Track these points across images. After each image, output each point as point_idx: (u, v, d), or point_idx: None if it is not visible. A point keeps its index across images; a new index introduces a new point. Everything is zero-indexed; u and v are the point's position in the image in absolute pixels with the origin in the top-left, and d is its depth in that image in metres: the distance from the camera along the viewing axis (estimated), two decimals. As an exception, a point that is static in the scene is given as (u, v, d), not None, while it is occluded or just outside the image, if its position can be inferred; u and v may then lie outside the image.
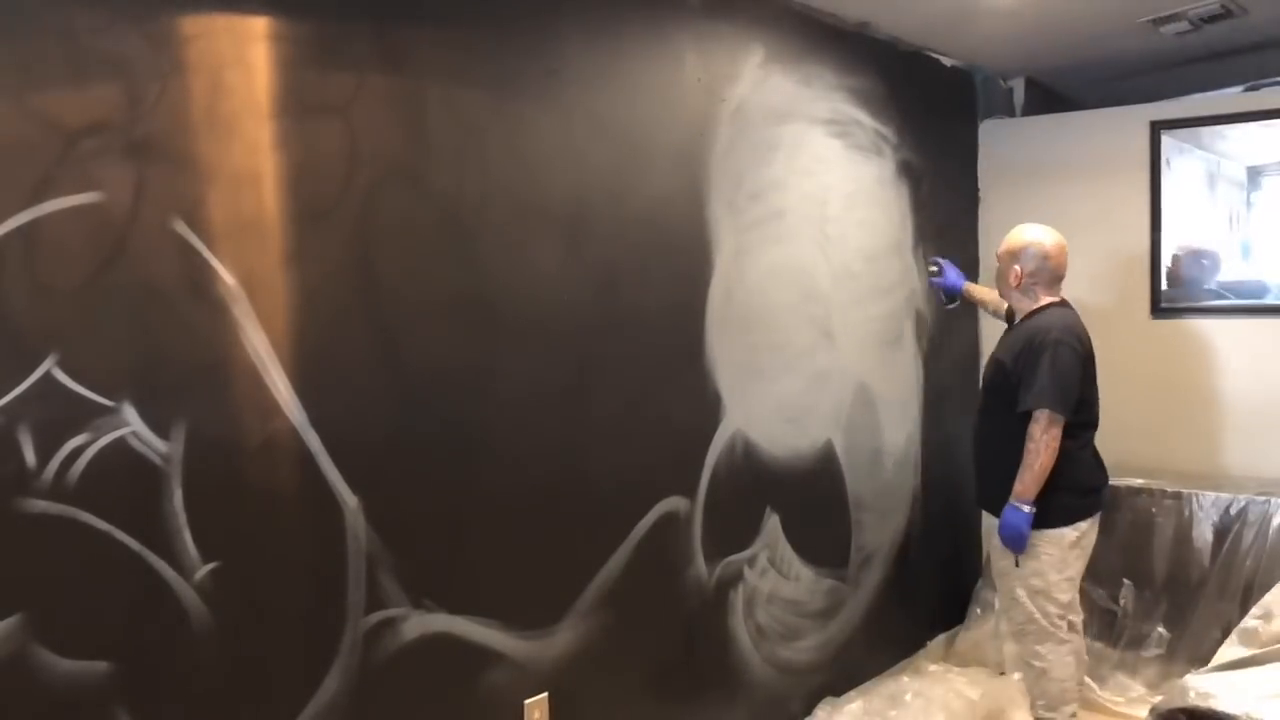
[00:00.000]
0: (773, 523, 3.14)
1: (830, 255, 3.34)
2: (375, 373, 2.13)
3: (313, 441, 2.02)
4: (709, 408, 2.91)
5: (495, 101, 2.33)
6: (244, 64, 1.91)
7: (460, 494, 2.30)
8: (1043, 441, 2.88)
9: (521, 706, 2.45)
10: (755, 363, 3.07)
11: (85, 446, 1.72)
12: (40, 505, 1.68)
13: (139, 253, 1.78)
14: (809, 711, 3.28)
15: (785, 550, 3.20)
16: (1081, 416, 2.98)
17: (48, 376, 1.68)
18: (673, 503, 2.80)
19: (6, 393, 1.64)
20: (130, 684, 1.79)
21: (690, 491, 2.86)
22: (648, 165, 2.70)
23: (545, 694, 2.48)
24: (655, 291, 2.72)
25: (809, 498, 3.30)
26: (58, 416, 1.70)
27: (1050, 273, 3.04)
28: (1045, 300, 3.05)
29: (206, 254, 1.86)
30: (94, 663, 1.75)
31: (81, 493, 1.72)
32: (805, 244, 3.25)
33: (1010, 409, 2.96)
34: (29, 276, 1.67)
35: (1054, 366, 2.88)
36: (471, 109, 2.28)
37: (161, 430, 1.81)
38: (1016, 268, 3.04)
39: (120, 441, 1.76)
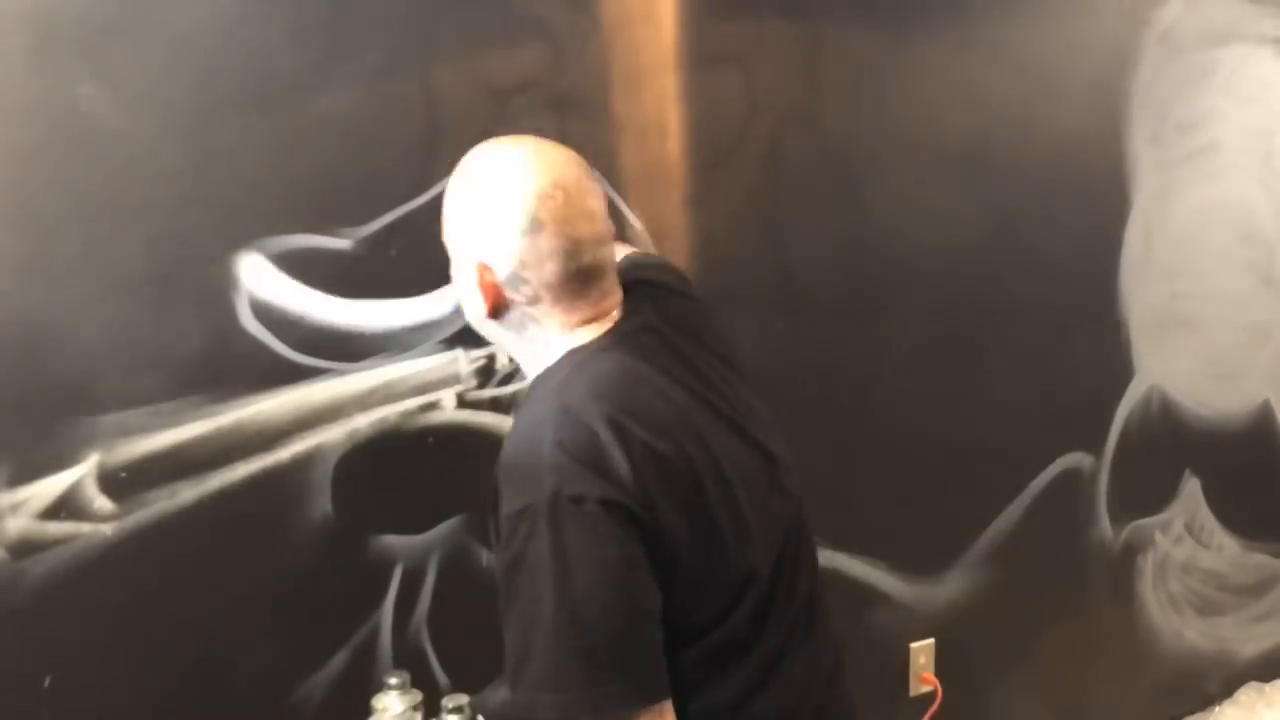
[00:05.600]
0: (1192, 487, 2.88)
1: (1277, 194, 2.96)
2: (768, 312, 2.21)
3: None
4: (1120, 359, 2.71)
5: (893, 40, 2.30)
6: (652, 19, 2.04)
7: (849, 432, 2.33)
8: None
9: (907, 650, 2.46)
10: (1178, 312, 2.81)
11: (517, 371, 1.95)
12: (480, 417, 1.92)
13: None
14: (1229, 694, 3.00)
15: (1206, 518, 2.92)
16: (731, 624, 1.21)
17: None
18: (1075, 458, 2.66)
19: (451, 328, 1.89)
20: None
21: (1095, 448, 2.69)
22: (1056, 99, 2.54)
23: (931, 640, 2.47)
24: (1060, 233, 2.56)
25: (1239, 462, 2.98)
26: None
27: (571, 274, 1.22)
28: (559, 341, 1.26)
29: (618, 200, 2.02)
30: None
31: (509, 410, 1.95)
32: (1246, 181, 2.91)
33: None
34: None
35: (554, 576, 1.09)
36: (868, 50, 2.28)
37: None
38: (484, 279, 1.25)
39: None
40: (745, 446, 1.27)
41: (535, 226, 1.19)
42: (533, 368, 1.28)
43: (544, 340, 1.25)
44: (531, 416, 1.19)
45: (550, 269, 1.20)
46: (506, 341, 1.32)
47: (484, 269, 1.23)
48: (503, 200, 1.20)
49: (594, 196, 1.24)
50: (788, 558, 1.28)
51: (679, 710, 1.14)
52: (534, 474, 1.10)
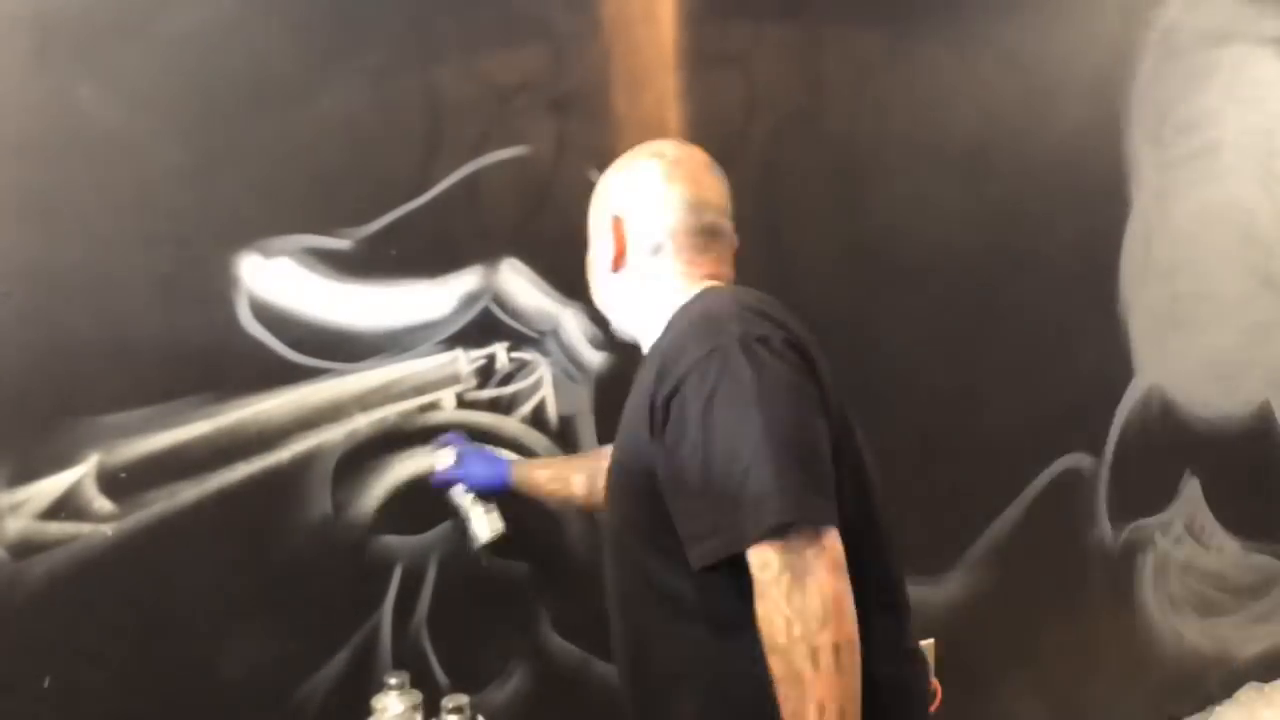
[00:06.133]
0: (1192, 487, 2.88)
1: (1277, 194, 2.97)
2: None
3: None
4: (1120, 360, 2.71)
5: (893, 40, 2.30)
6: (652, 19, 2.04)
7: (849, 435, 2.33)
8: (812, 631, 1.08)
9: (906, 650, 2.45)
10: (1178, 313, 2.81)
11: (516, 371, 1.95)
12: (480, 417, 1.93)
13: (560, 198, 1.97)
14: (1229, 694, 3.00)
15: (1206, 518, 2.92)
16: (858, 514, 1.23)
17: (485, 310, 1.92)
18: (1075, 459, 2.66)
19: (451, 329, 1.89)
20: (543, 583, 2.01)
21: (1096, 449, 2.69)
22: (1056, 99, 2.54)
23: (932, 640, 2.47)
24: (1061, 234, 2.57)
25: (1239, 463, 2.98)
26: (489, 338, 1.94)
27: (694, 227, 1.37)
28: (679, 292, 1.34)
29: (617, 200, 2.02)
30: (518, 563, 1.98)
31: (509, 410, 1.96)
32: (1246, 182, 2.91)
33: (651, 548, 1.25)
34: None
35: (758, 395, 1.14)
36: (868, 51, 2.28)
37: (576, 362, 2.00)
38: (617, 230, 1.39)
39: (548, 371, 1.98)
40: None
41: (668, 179, 1.38)
42: (654, 322, 1.34)
43: (661, 296, 1.34)
44: (691, 314, 1.26)
45: (679, 217, 1.36)
46: (622, 302, 1.42)
47: (617, 221, 1.39)
48: (642, 163, 1.41)
49: (719, 182, 1.43)
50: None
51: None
52: (715, 329, 1.20)
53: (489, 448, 1.88)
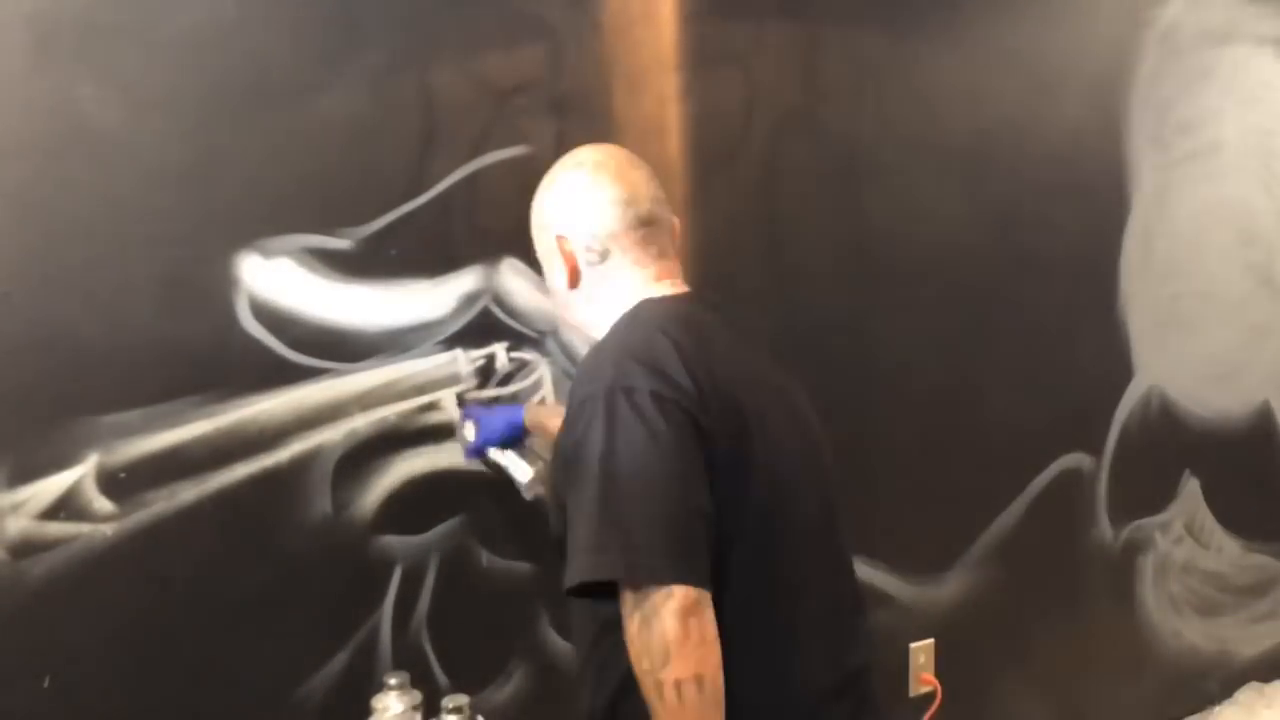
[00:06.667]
0: (1191, 487, 2.88)
1: (1277, 195, 2.97)
2: (768, 313, 2.21)
3: (709, 377, 2.13)
4: (1120, 360, 2.72)
5: (893, 40, 2.30)
6: (652, 19, 2.04)
7: (849, 433, 2.32)
8: (656, 667, 1.15)
9: (907, 650, 2.46)
10: (1178, 313, 2.81)
11: (516, 371, 1.95)
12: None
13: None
14: (1229, 694, 3.00)
15: (1206, 518, 2.92)
16: (749, 569, 1.25)
17: (485, 310, 1.92)
18: (1075, 459, 2.66)
19: (451, 328, 1.89)
20: (548, 584, 2.00)
21: (1095, 449, 2.69)
22: (1056, 99, 2.54)
23: (931, 640, 2.47)
24: (1061, 234, 2.57)
25: (1239, 463, 2.99)
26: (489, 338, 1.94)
27: (632, 222, 1.38)
28: (634, 294, 1.38)
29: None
30: (518, 563, 1.98)
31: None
32: (1246, 181, 2.91)
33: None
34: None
35: (602, 454, 1.19)
36: (868, 51, 2.28)
37: (576, 362, 2.00)
38: (563, 249, 1.41)
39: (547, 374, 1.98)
40: (793, 420, 1.38)
41: (595, 184, 1.38)
42: (598, 327, 1.39)
43: (619, 299, 1.37)
44: (607, 338, 1.33)
45: (616, 217, 1.37)
46: (587, 316, 1.43)
47: (561, 240, 1.40)
48: (567, 177, 1.42)
49: (643, 173, 1.42)
50: (818, 535, 1.37)
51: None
52: (599, 372, 1.24)
53: (500, 404, 1.92)
